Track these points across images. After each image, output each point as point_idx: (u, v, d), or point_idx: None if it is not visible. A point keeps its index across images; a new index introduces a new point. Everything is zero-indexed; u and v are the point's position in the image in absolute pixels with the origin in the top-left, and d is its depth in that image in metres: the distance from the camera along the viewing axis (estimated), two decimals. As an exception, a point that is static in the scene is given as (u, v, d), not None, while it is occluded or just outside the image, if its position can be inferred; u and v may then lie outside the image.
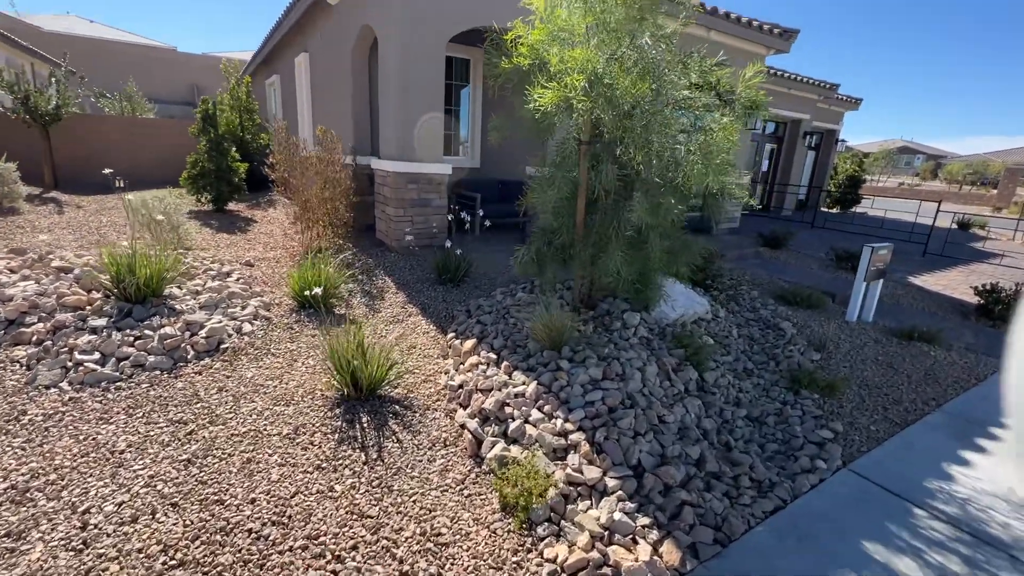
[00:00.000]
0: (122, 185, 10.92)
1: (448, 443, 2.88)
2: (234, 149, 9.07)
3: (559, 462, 2.66)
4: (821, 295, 6.29)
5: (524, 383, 3.16)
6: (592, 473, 2.54)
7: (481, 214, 6.35)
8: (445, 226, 6.10)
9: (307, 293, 3.88)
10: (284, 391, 3.16)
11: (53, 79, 10.72)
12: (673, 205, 3.54)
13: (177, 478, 2.36)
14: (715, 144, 3.34)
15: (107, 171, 4.43)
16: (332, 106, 7.95)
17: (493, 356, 3.51)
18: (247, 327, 3.85)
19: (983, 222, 14.74)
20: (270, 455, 2.58)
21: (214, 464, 2.47)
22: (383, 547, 2.14)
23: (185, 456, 2.50)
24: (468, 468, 2.70)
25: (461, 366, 3.56)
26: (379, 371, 3.16)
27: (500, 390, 3.13)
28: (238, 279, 4.79)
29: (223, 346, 3.55)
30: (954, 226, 14.32)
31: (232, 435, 2.69)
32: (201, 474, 2.40)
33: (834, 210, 17.08)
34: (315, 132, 6.29)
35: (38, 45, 21.21)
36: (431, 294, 5.05)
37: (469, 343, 3.73)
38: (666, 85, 3.32)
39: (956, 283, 7.99)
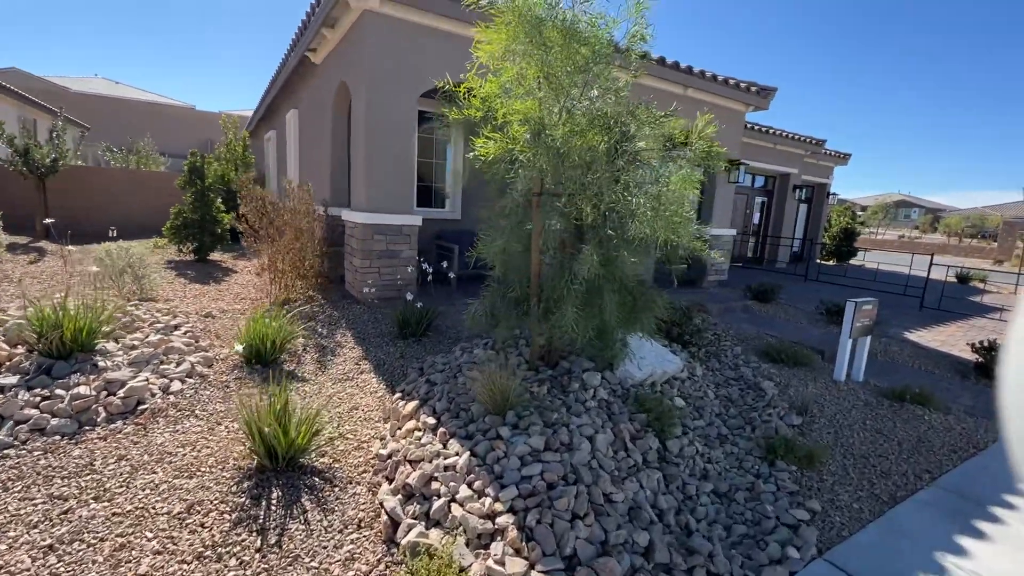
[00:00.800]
0: (113, 235, 10.90)
1: (363, 524, 2.54)
2: (219, 200, 9.14)
3: (482, 551, 2.31)
4: (808, 352, 5.98)
5: (457, 453, 2.85)
6: (516, 567, 2.19)
7: (444, 265, 6.21)
8: (414, 278, 5.94)
9: (237, 349, 3.65)
10: (193, 460, 2.86)
11: (52, 133, 11.05)
12: (627, 258, 3.34)
13: (29, 569, 2.04)
14: (666, 196, 3.19)
15: (48, 221, 4.31)
16: (315, 159, 8.03)
17: (432, 421, 3.22)
18: (177, 385, 3.60)
19: (983, 275, 14.47)
20: (149, 539, 2.26)
21: (79, 551, 2.15)
22: (245, 664, 1.79)
23: (49, 541, 2.18)
24: (379, 556, 2.36)
25: (398, 431, 3.26)
26: (301, 438, 2.87)
27: (431, 461, 2.82)
28: (186, 332, 4.57)
29: (142, 407, 3.28)
30: (953, 279, 14.06)
31: (113, 514, 2.38)
32: (59, 564, 2.08)
33: (831, 262, 16.92)
34: (299, 183, 6.29)
35: (64, 104, 22.46)
36: (390, 349, 4.80)
37: (411, 405, 3.44)
38: (615, 136, 3.21)
39: (955, 339, 7.64)
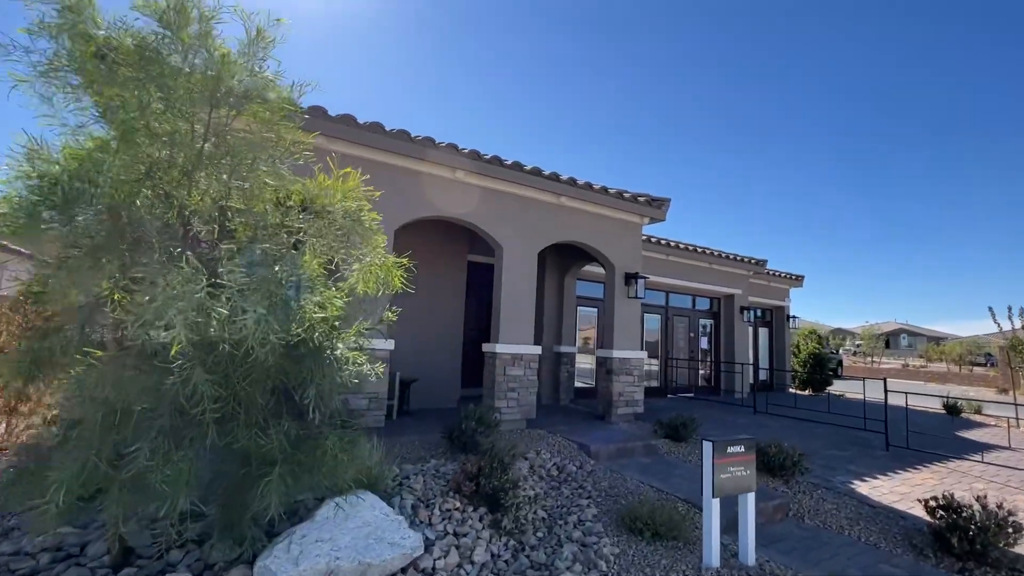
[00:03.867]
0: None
1: None
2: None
3: None
4: (687, 516, 4.27)
5: None
6: None
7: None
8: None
9: None
10: None
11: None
12: (199, 375, 2.04)
13: None
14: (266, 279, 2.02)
15: None
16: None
17: None
18: None
19: (976, 405, 12.58)
20: None
21: None
22: None
23: None
24: None
25: None
26: None
27: None
28: None
29: None
30: (941, 410, 12.18)
31: None
32: None
33: (806, 392, 15.13)
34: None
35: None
36: None
37: None
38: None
39: (922, 490, 5.81)
